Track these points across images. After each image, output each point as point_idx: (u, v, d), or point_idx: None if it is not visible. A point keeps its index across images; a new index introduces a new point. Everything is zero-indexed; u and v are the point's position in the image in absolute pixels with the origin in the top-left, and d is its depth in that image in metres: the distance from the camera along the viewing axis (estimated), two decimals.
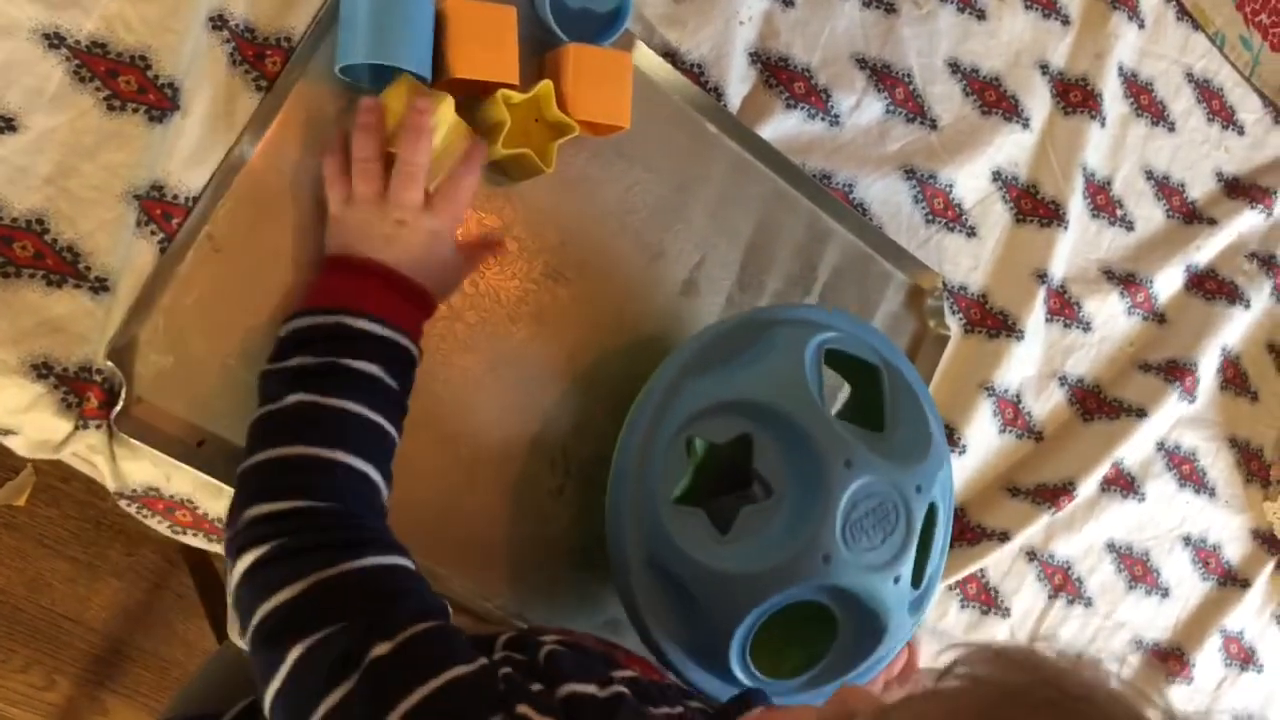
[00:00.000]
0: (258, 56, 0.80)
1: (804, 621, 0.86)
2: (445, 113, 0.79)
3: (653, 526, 0.81)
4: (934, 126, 1.11)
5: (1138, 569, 1.24)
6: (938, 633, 1.12)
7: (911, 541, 0.84)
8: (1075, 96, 1.18)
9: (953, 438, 1.12)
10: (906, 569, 0.84)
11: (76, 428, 0.75)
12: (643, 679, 0.69)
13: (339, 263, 0.77)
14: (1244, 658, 1.32)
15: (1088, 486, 1.16)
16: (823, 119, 1.05)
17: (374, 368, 0.71)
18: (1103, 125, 1.19)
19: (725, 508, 0.83)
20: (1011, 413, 1.16)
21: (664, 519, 0.80)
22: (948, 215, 1.12)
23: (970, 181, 1.13)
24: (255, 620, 0.61)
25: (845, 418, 0.85)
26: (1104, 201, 1.22)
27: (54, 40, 0.75)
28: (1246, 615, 1.31)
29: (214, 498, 0.81)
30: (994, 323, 1.14)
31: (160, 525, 0.82)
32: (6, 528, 1.54)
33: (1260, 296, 1.29)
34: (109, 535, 1.59)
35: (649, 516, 0.81)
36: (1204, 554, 1.29)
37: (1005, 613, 1.16)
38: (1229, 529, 1.30)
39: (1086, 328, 1.20)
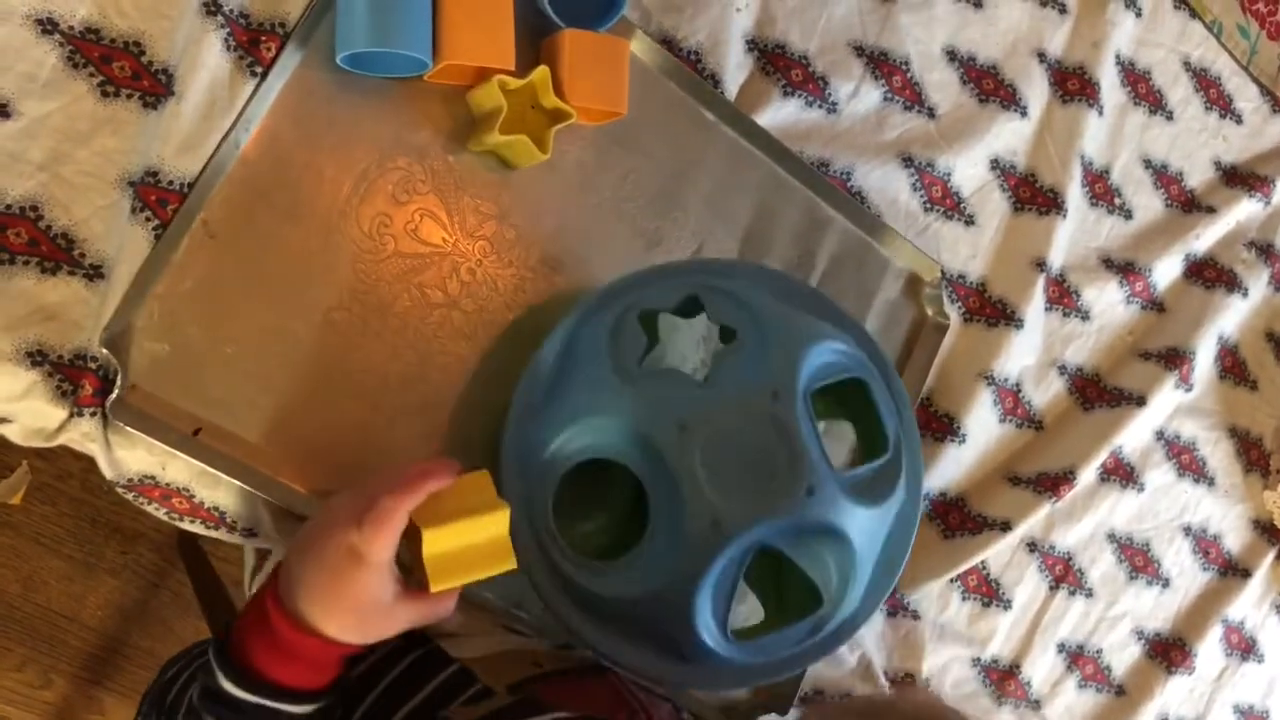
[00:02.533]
0: (252, 42, 0.80)
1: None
2: (500, 519, 0.70)
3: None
4: (932, 115, 1.11)
5: (1139, 559, 1.24)
6: (939, 625, 1.12)
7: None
8: (1073, 85, 1.18)
9: (953, 427, 1.11)
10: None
11: (71, 415, 0.75)
12: None
13: (272, 595, 0.67)
14: (1245, 648, 1.31)
15: (1088, 474, 1.16)
16: (820, 106, 1.04)
17: None
18: (1100, 114, 1.19)
19: None
20: (1011, 401, 1.16)
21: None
22: (946, 203, 1.11)
23: (968, 170, 1.12)
24: None
25: None
26: (1102, 190, 1.21)
27: (47, 26, 0.74)
28: (1247, 605, 1.31)
29: (210, 486, 0.80)
30: (993, 311, 1.14)
31: (158, 512, 0.82)
32: (2, 526, 1.53)
33: (1259, 285, 1.29)
34: (105, 533, 1.59)
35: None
36: (1204, 544, 1.28)
37: (1006, 605, 1.16)
38: (1229, 519, 1.30)
39: (1085, 316, 1.20)
